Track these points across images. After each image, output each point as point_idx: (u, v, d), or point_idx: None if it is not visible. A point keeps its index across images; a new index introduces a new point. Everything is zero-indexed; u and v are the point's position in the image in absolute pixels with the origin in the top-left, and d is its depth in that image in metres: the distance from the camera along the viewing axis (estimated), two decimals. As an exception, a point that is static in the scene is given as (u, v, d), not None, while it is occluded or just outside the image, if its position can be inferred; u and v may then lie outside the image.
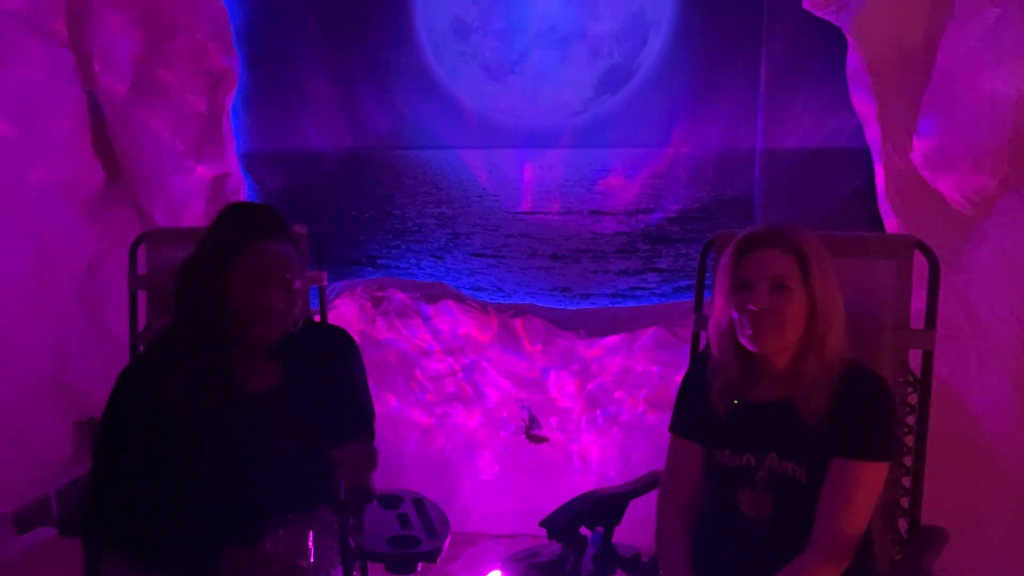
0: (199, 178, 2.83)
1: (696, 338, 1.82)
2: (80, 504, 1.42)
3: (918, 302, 1.58)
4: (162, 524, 1.37)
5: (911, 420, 1.56)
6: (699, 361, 1.54)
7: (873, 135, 2.34)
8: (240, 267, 1.38)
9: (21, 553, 2.15)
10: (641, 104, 2.71)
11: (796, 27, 2.49)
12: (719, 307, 1.39)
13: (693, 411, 1.48)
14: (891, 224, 2.33)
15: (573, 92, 2.75)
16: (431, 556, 1.47)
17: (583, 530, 1.58)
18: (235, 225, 1.43)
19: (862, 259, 1.59)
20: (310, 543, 1.31)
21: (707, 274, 1.77)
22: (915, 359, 1.59)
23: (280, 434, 1.47)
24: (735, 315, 1.35)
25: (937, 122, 2.18)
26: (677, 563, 1.42)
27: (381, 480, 1.51)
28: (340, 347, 1.63)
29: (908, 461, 1.56)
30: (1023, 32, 1.99)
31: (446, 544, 1.51)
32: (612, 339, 2.68)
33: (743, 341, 1.36)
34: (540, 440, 2.75)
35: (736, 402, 1.40)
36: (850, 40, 2.30)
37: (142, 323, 2.14)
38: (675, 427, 1.51)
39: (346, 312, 2.81)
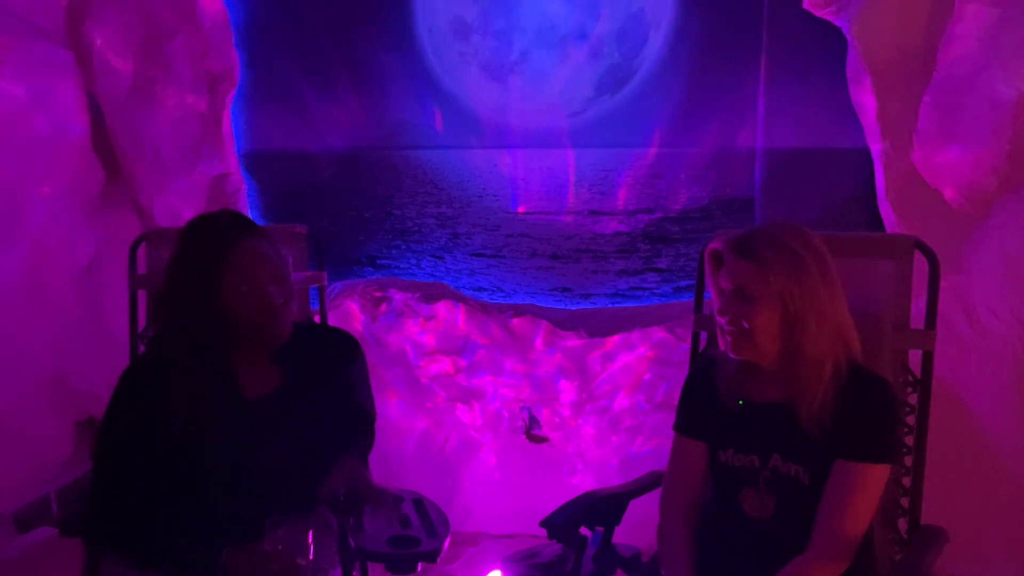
0: (199, 178, 2.83)
1: (696, 338, 1.82)
2: (80, 504, 1.42)
3: (918, 302, 1.58)
4: (162, 524, 1.37)
5: (911, 420, 1.56)
6: (704, 359, 1.54)
7: (873, 135, 2.34)
8: (229, 269, 1.38)
9: (21, 553, 2.15)
10: (641, 104, 2.71)
11: (796, 27, 2.49)
12: (714, 310, 1.40)
13: (698, 409, 1.48)
14: (891, 224, 2.33)
15: (573, 92, 2.75)
16: (431, 556, 1.47)
17: (583, 530, 1.58)
18: (210, 232, 1.41)
19: (862, 259, 1.58)
20: (309, 541, 1.31)
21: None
22: (915, 359, 1.58)
23: (280, 438, 1.47)
24: (719, 320, 1.36)
25: (937, 122, 2.18)
26: (679, 562, 1.42)
27: (381, 480, 1.51)
28: (343, 350, 1.63)
29: (908, 461, 1.56)
30: (1023, 32, 1.99)
31: (446, 544, 1.51)
32: (612, 339, 2.68)
33: (723, 348, 1.36)
34: (540, 440, 2.75)
35: (741, 402, 1.40)
36: (850, 40, 2.30)
37: (142, 323, 2.15)
38: (679, 425, 1.51)
39: (346, 312, 2.81)
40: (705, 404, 1.46)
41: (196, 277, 1.38)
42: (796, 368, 1.31)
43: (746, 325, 1.31)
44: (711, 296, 1.41)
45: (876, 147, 2.34)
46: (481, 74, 2.79)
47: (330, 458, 1.47)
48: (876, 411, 1.31)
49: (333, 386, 1.56)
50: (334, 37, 2.84)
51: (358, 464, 1.48)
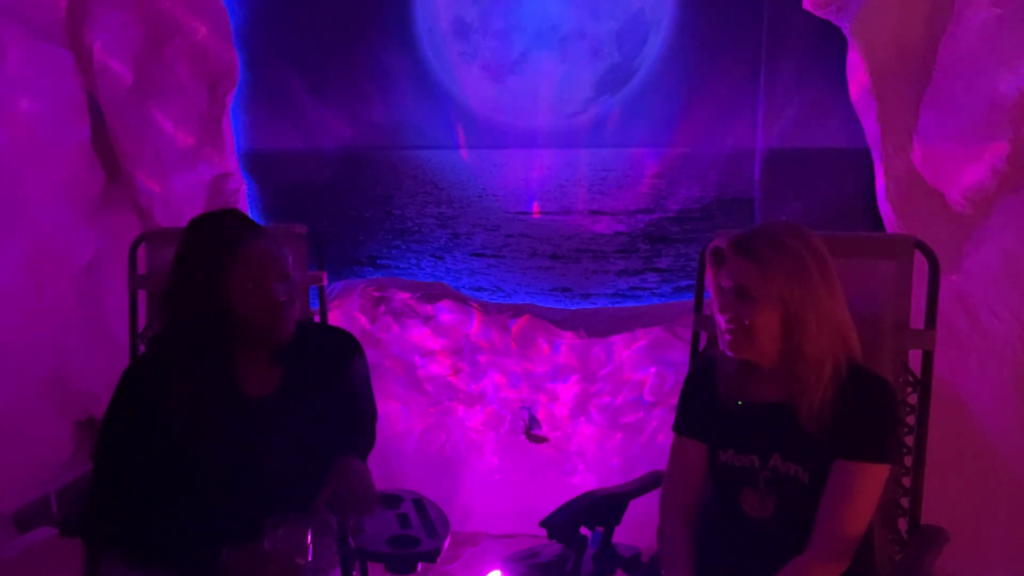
0: (199, 178, 2.83)
1: (696, 338, 1.82)
2: (80, 504, 1.42)
3: (918, 302, 1.58)
4: (162, 524, 1.37)
5: (911, 420, 1.56)
6: (704, 359, 1.53)
7: (873, 135, 2.34)
8: (236, 268, 1.38)
9: (21, 553, 2.15)
10: (641, 104, 2.71)
11: (796, 27, 2.49)
12: (714, 309, 1.40)
13: (698, 410, 1.48)
14: (891, 224, 2.33)
15: (573, 92, 2.75)
16: (431, 556, 1.47)
17: (583, 530, 1.58)
18: (218, 230, 1.42)
19: (862, 259, 1.58)
20: (308, 541, 1.31)
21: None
22: (915, 359, 1.59)
23: (281, 438, 1.47)
24: (719, 319, 1.36)
25: (937, 122, 2.18)
26: (679, 562, 1.42)
27: (381, 480, 1.51)
28: (344, 350, 1.63)
29: (908, 461, 1.56)
30: (1023, 32, 1.99)
31: (446, 544, 1.52)
32: (612, 339, 2.68)
33: (722, 347, 1.36)
34: (540, 440, 2.75)
35: (741, 403, 1.40)
36: (850, 40, 2.30)
37: (142, 323, 2.15)
38: (679, 425, 1.51)
39: (346, 312, 2.81)
40: (705, 404, 1.45)
41: (202, 274, 1.38)
42: (796, 368, 1.31)
43: (746, 323, 1.31)
44: (711, 296, 1.41)
45: (876, 147, 2.34)
46: (481, 74, 2.80)
47: (330, 458, 1.47)
48: (876, 411, 1.31)
49: (333, 386, 1.56)
50: (334, 37, 2.84)
51: (358, 464, 1.48)
